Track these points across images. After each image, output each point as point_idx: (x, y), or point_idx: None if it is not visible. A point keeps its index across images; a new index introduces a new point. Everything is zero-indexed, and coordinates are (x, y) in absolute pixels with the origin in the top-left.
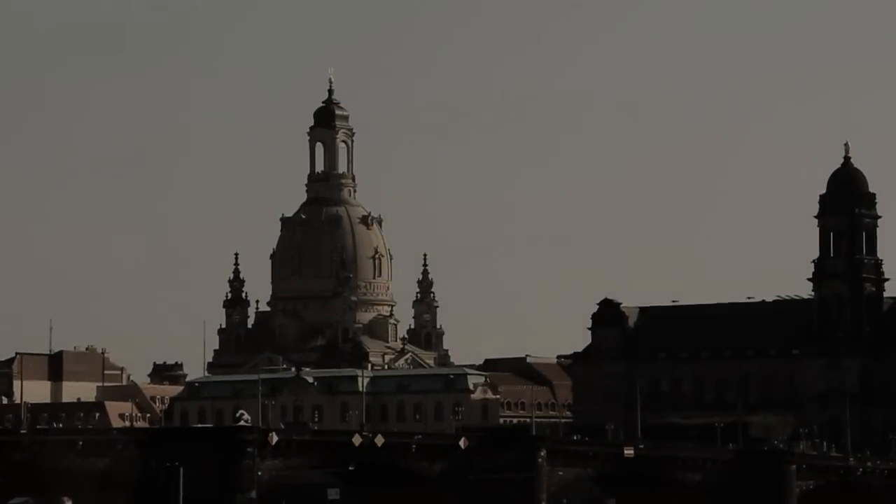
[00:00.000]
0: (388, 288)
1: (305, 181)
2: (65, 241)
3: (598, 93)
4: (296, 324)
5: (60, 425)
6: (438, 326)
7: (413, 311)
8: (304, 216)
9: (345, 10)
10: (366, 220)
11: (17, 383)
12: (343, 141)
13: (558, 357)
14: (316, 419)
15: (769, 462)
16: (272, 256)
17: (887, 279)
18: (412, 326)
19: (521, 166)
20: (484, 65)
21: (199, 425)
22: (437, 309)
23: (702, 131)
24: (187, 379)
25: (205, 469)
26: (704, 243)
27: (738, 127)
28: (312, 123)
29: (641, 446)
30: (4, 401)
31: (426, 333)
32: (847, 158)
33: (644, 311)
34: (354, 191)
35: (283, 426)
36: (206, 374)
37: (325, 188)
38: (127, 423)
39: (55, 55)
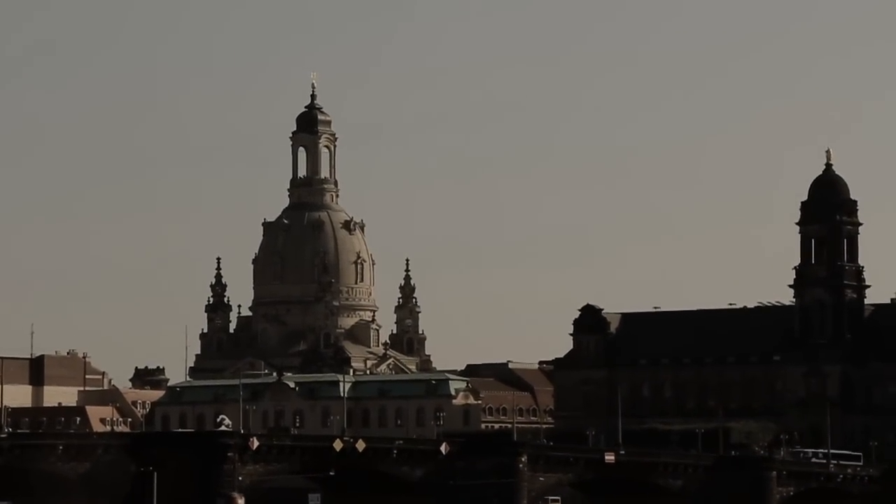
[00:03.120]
0: (370, 293)
1: (288, 186)
2: (47, 245)
3: (581, 100)
4: (277, 329)
5: (41, 430)
6: (420, 332)
7: (395, 316)
8: (286, 221)
9: (328, 15)
10: (348, 226)
11: None
12: (325, 146)
13: (540, 363)
14: (297, 424)
15: (749, 468)
16: (254, 261)
17: (868, 286)
18: (394, 332)
19: (504, 173)
20: (467, 71)
21: (181, 430)
22: (419, 314)
23: (684, 137)
24: (169, 384)
25: (186, 474)
26: (686, 250)
27: (719, 133)
28: (295, 128)
29: (622, 452)
30: None
31: (408, 339)
32: (828, 165)
33: (626, 318)
34: (337, 196)
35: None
36: (188, 378)
37: (308, 193)
38: (108, 428)
39: (34, 64)
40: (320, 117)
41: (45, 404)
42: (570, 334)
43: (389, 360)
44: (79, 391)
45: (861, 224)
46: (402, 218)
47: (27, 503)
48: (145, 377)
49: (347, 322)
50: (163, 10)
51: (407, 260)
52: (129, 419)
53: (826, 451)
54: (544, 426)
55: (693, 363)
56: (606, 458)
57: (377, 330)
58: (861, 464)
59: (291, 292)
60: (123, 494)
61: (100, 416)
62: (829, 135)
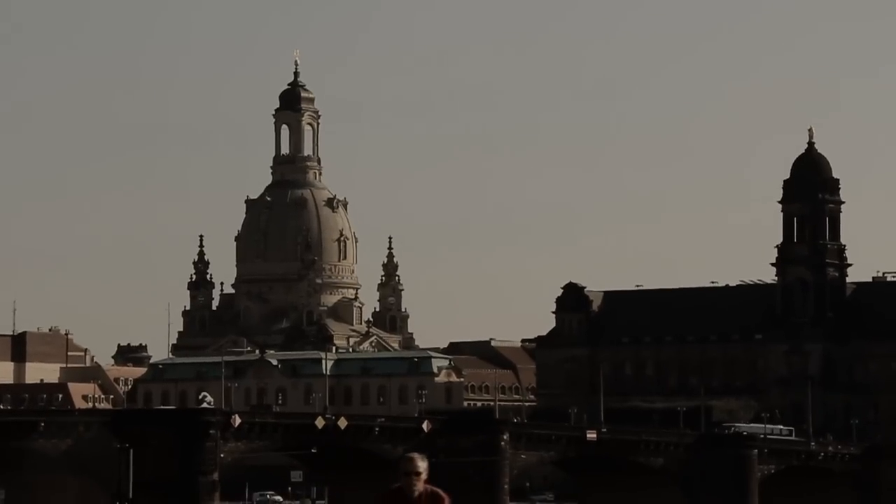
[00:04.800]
0: (353, 271)
1: (271, 164)
2: (29, 222)
3: (563, 81)
4: (260, 306)
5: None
6: (403, 310)
7: (378, 294)
8: (269, 198)
9: None
10: (331, 203)
11: None
12: (309, 124)
13: (522, 341)
14: (280, 402)
15: (731, 446)
16: (237, 238)
17: (850, 264)
18: (377, 309)
19: (487, 152)
20: (450, 50)
21: (162, 407)
22: (402, 292)
23: (666, 116)
24: (151, 361)
25: (167, 451)
26: (668, 228)
27: (701, 112)
28: (278, 106)
29: (604, 430)
30: None
31: (391, 317)
32: (811, 144)
33: (608, 296)
34: (320, 173)
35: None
36: (170, 355)
37: (291, 171)
38: (90, 405)
39: (16, 43)
40: (303, 95)
41: (27, 381)
42: (553, 312)
43: (372, 338)
44: (61, 368)
45: (843, 203)
46: (386, 196)
47: (8, 480)
48: (128, 354)
49: (330, 300)
50: None
51: (390, 238)
52: (112, 396)
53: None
54: (526, 404)
55: (675, 341)
56: (588, 436)
57: (360, 308)
58: (793, 437)
59: (274, 270)
60: (106, 471)
61: (82, 394)
62: (811, 113)
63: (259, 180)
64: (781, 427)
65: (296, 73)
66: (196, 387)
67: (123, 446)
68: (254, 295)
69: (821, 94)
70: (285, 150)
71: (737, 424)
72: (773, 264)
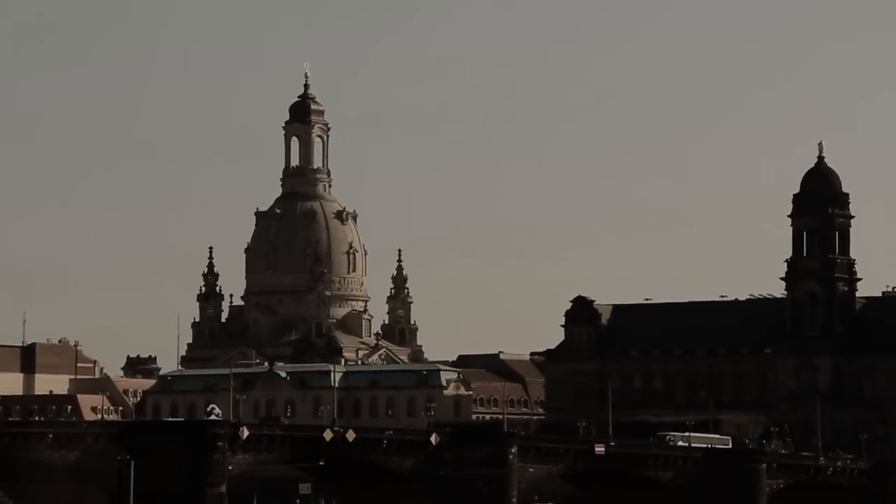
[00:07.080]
0: (362, 283)
1: (280, 176)
2: (39, 233)
3: (574, 93)
4: (269, 318)
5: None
6: (412, 322)
7: (387, 306)
8: (278, 211)
9: (322, 4)
10: (340, 216)
11: None
12: (318, 136)
13: (531, 354)
14: (288, 414)
15: (739, 460)
16: (247, 251)
17: (860, 279)
18: (386, 322)
19: (496, 164)
20: (460, 61)
21: (171, 419)
22: (411, 305)
23: (676, 130)
24: (160, 372)
25: (175, 462)
26: (678, 242)
27: (712, 125)
28: (288, 118)
29: (612, 444)
30: None
31: (400, 329)
32: (821, 158)
33: (617, 309)
34: (329, 186)
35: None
36: (180, 367)
37: (300, 183)
38: (99, 416)
39: (28, 53)
40: (313, 107)
41: (37, 392)
42: (562, 326)
43: (381, 351)
44: (70, 379)
45: (853, 217)
46: (395, 208)
47: (16, 491)
48: (137, 366)
49: (339, 312)
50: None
51: (399, 250)
52: (121, 408)
53: (693, 434)
54: (535, 417)
55: (684, 355)
56: (596, 449)
57: (369, 320)
58: (730, 447)
59: (283, 282)
60: (113, 483)
61: (91, 405)
62: (821, 128)
63: (269, 192)
64: (719, 436)
65: (306, 86)
66: (205, 399)
67: (124, 458)
68: (263, 307)
69: (831, 108)
70: (295, 162)
71: (672, 433)
72: (782, 278)
